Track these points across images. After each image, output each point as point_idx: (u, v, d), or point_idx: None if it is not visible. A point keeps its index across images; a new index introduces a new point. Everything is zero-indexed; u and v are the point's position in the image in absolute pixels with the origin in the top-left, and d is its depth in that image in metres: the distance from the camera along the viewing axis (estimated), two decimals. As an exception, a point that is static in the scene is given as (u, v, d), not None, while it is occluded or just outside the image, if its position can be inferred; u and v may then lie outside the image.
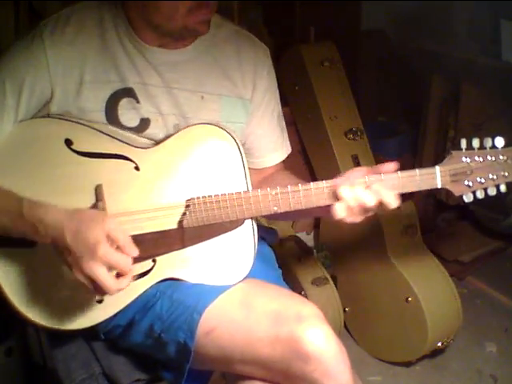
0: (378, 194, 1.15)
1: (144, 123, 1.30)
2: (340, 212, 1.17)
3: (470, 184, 1.17)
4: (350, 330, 2.35)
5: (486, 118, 2.52)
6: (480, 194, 1.18)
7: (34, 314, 1.25)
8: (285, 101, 2.39)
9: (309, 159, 2.45)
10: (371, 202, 1.15)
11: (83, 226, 1.10)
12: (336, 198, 1.18)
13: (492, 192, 1.18)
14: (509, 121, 2.42)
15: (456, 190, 1.18)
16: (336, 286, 2.27)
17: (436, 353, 2.21)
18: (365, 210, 1.17)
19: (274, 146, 1.46)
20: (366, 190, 1.16)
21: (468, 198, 1.19)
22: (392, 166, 1.18)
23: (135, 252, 1.13)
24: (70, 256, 1.12)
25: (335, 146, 2.29)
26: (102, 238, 1.09)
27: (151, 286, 1.26)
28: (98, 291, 1.13)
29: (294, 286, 2.14)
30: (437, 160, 1.22)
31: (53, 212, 1.14)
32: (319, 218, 2.45)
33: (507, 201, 2.67)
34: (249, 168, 1.40)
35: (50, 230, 1.13)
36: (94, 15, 1.29)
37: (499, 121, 2.51)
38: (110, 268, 1.10)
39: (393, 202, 1.16)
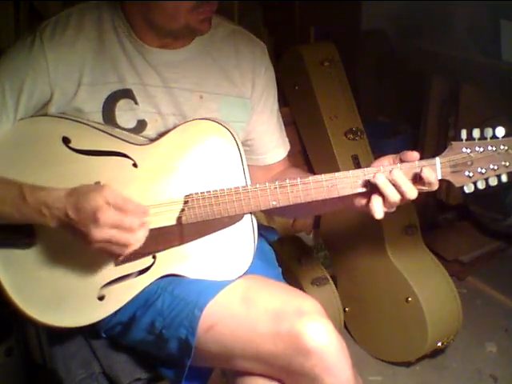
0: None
1: (140, 125, 1.30)
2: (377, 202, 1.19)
3: (471, 174, 1.16)
4: (350, 330, 2.35)
5: (485, 117, 2.51)
6: (481, 185, 1.17)
7: (35, 312, 1.24)
8: (285, 101, 2.39)
9: (309, 159, 2.45)
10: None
11: (82, 198, 1.11)
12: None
13: (493, 182, 1.16)
14: (509, 121, 2.42)
15: (456, 181, 1.17)
16: (336, 286, 2.27)
17: (436, 353, 2.21)
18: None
19: (277, 142, 1.46)
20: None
21: (469, 189, 1.17)
22: (415, 154, 1.17)
23: (138, 208, 1.13)
24: (78, 231, 1.12)
25: (335, 146, 2.28)
26: (101, 203, 1.10)
27: (152, 283, 1.26)
28: (119, 251, 1.14)
29: (294, 285, 2.11)
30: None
31: (54, 192, 1.15)
32: (319, 218, 2.45)
33: (507, 201, 2.67)
34: (255, 166, 1.41)
35: (53, 211, 1.14)
36: (93, 16, 1.28)
37: (499, 121, 2.50)
38: (119, 229, 1.11)
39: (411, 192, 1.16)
